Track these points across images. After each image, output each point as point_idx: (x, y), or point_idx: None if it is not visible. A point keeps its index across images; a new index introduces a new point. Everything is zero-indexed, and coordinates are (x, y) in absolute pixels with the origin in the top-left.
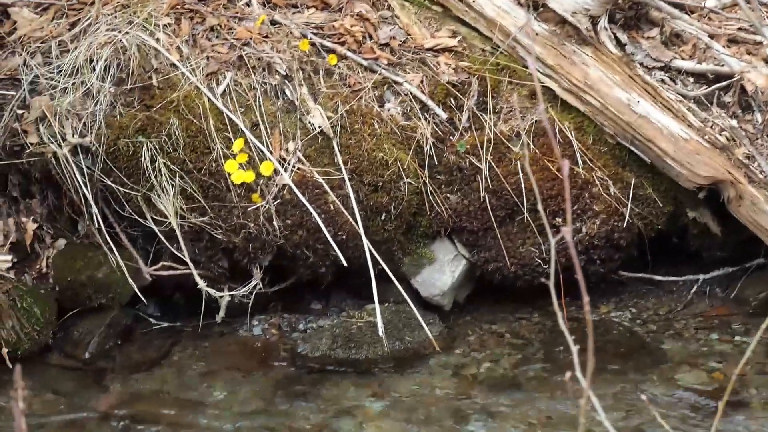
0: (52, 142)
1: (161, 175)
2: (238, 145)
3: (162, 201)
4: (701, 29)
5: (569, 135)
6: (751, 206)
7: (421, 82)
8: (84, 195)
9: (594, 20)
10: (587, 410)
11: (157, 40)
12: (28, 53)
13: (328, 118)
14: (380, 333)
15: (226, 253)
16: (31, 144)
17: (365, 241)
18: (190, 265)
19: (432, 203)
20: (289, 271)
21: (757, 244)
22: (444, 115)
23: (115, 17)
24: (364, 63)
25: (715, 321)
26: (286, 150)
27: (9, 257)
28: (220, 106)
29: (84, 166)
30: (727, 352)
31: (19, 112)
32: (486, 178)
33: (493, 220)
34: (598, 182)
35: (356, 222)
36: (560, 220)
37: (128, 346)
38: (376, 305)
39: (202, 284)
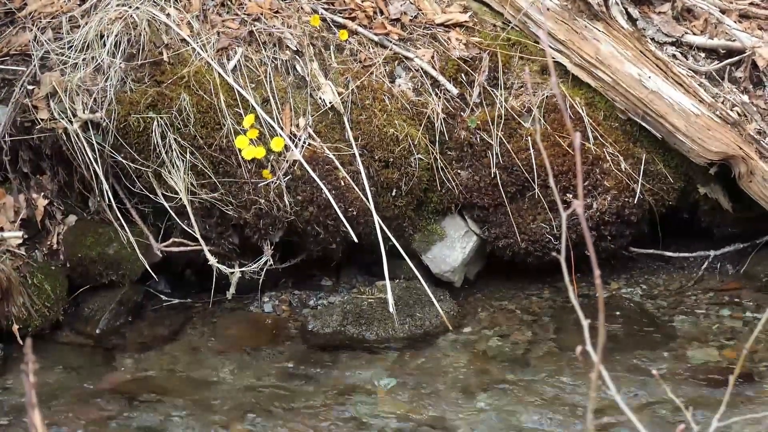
0: (63, 118)
1: (172, 150)
2: (248, 120)
3: (173, 177)
4: (713, 4)
5: (580, 110)
6: (763, 182)
7: (432, 57)
8: (94, 171)
9: None
10: (598, 385)
11: (168, 15)
12: (38, 29)
13: (339, 93)
14: (391, 309)
15: (237, 230)
16: (42, 120)
17: (376, 217)
18: (201, 241)
19: (443, 179)
20: (300, 247)
21: None
22: (455, 91)
23: None
24: (375, 38)
25: (725, 297)
26: (297, 126)
27: (20, 233)
28: (230, 81)
29: (95, 142)
30: (738, 329)
31: (30, 87)
32: (497, 153)
33: (503, 196)
34: (609, 158)
35: (367, 198)
36: (571, 195)
37: (139, 323)
38: (387, 281)
39: (212, 260)
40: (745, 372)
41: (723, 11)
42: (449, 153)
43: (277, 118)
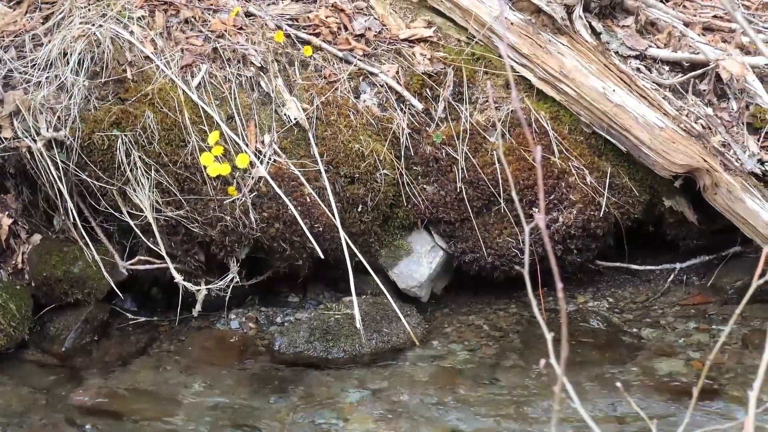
0: (27, 137)
1: (136, 168)
2: (213, 137)
3: (137, 195)
4: (676, 17)
5: (545, 125)
6: (727, 194)
7: (397, 72)
8: (59, 189)
9: (569, 9)
10: (562, 397)
11: (131, 32)
12: (1, 47)
13: (304, 109)
14: (358, 325)
15: (203, 247)
16: (5, 138)
17: (342, 233)
18: (167, 258)
19: (408, 194)
20: (266, 264)
21: (734, 232)
22: (420, 106)
23: (89, 10)
24: (340, 54)
25: (692, 310)
26: (262, 142)
27: None
28: (195, 98)
29: (59, 161)
30: (704, 342)
31: None
32: (462, 168)
33: (469, 210)
34: (574, 172)
35: (333, 214)
36: (537, 210)
37: (105, 342)
38: (354, 297)
39: (178, 278)
40: (712, 383)
41: (687, 24)
42: (415, 168)
43: (242, 135)
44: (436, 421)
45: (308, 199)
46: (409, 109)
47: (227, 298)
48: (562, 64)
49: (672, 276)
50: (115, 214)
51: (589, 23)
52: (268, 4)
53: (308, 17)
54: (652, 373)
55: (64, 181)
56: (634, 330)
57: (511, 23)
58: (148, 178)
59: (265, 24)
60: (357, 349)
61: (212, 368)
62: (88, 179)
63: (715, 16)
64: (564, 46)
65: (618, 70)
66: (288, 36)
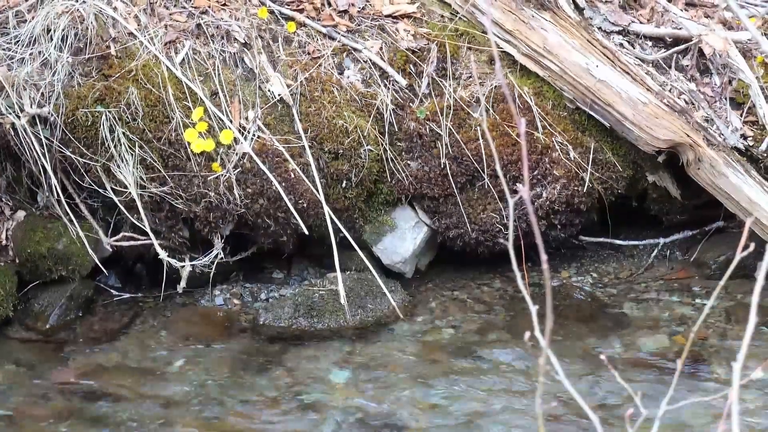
0: (10, 113)
1: (120, 144)
2: (197, 113)
3: (122, 171)
4: None
5: (529, 100)
6: (710, 169)
7: (381, 48)
8: (43, 166)
9: None
10: (546, 369)
11: (115, 8)
12: None
13: (288, 85)
14: (342, 301)
15: (187, 223)
16: None
17: (326, 209)
18: (151, 235)
19: (393, 170)
20: (251, 240)
21: (717, 207)
22: (404, 82)
23: None
24: (323, 30)
25: (675, 284)
26: (246, 118)
27: None
28: (179, 74)
29: (42, 137)
30: (688, 316)
31: None
32: (446, 144)
33: (453, 186)
34: (558, 147)
35: (317, 190)
36: (521, 185)
37: (89, 318)
38: (338, 273)
39: (163, 254)
40: (696, 357)
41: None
42: (399, 144)
43: (225, 111)
44: (420, 396)
45: (292, 175)
46: (392, 84)
47: (212, 275)
48: (545, 40)
49: (655, 251)
50: (99, 190)
51: None
52: None
53: None
54: (637, 348)
55: (47, 157)
56: (618, 305)
57: None
58: (132, 155)
59: (249, 0)
60: (341, 325)
61: (197, 344)
62: (72, 156)
63: None
64: (547, 22)
65: (601, 46)
66: (271, 12)
